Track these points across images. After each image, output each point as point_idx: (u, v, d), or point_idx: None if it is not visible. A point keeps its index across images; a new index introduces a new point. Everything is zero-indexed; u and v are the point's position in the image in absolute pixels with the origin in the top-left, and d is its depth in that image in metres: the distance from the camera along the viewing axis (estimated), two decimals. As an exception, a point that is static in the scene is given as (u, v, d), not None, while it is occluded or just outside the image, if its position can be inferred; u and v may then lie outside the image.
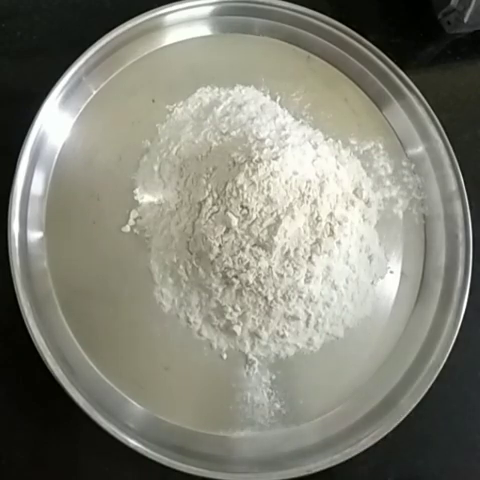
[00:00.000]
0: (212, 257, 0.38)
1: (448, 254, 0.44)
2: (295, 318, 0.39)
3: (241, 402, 0.40)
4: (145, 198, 0.41)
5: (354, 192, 0.42)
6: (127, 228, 0.41)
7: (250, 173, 0.36)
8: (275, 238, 0.36)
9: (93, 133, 0.43)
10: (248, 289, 0.38)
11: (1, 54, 0.45)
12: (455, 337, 0.41)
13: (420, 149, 0.46)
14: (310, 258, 0.38)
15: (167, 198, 0.41)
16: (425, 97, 0.45)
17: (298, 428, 0.40)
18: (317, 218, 0.38)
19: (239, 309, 0.39)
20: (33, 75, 0.45)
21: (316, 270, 0.38)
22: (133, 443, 0.36)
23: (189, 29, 0.46)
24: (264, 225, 0.37)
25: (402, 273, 0.44)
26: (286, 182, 0.37)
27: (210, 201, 0.38)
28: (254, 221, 0.37)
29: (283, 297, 0.38)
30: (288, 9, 0.46)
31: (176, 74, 0.45)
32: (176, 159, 0.41)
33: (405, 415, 0.39)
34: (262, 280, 0.38)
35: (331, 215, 0.39)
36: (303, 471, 0.37)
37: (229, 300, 0.39)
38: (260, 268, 0.37)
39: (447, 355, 0.41)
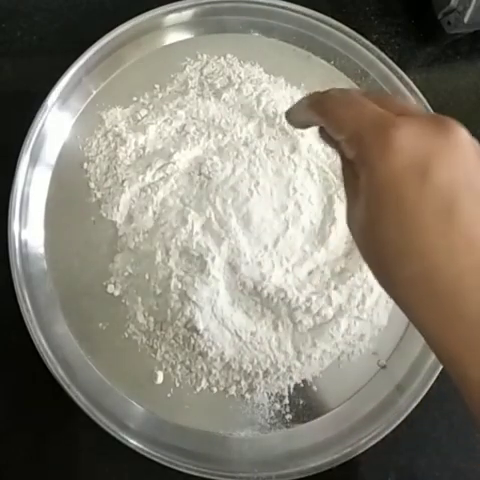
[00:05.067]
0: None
1: (448, 254, 0.44)
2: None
3: (241, 402, 0.40)
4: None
5: None
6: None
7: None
8: None
9: (93, 133, 0.43)
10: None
11: (1, 54, 0.45)
12: (455, 337, 0.41)
13: (420, 149, 0.46)
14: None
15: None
16: (425, 97, 0.45)
17: (298, 428, 0.40)
18: None
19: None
20: (33, 75, 0.45)
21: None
22: (133, 443, 0.36)
23: (189, 29, 0.46)
24: None
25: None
26: None
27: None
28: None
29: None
30: (288, 9, 0.46)
31: (176, 74, 0.45)
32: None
33: (405, 415, 0.39)
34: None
35: None
36: (303, 471, 0.37)
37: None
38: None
39: (447, 355, 0.40)
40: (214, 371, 0.39)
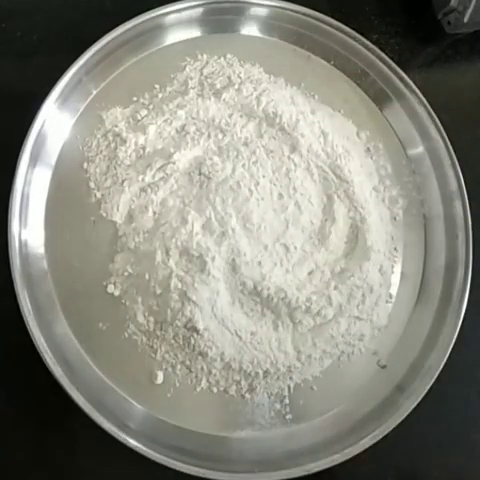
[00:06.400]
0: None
1: (448, 254, 0.44)
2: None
3: (241, 402, 0.40)
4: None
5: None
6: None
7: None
8: None
9: (93, 133, 0.43)
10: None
11: (1, 54, 0.45)
12: (455, 337, 0.41)
13: (420, 149, 0.46)
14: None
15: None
16: (425, 97, 0.45)
17: (298, 428, 0.40)
18: None
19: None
20: (33, 75, 0.45)
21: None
22: (133, 443, 0.36)
23: (189, 29, 0.46)
24: None
25: (402, 273, 0.44)
26: None
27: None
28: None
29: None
30: (288, 9, 0.46)
31: (176, 74, 0.45)
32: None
33: (405, 415, 0.39)
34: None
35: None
36: (303, 471, 0.37)
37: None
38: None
39: (447, 355, 0.41)
40: (214, 371, 0.39)
